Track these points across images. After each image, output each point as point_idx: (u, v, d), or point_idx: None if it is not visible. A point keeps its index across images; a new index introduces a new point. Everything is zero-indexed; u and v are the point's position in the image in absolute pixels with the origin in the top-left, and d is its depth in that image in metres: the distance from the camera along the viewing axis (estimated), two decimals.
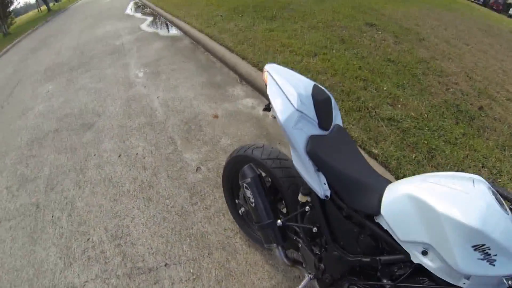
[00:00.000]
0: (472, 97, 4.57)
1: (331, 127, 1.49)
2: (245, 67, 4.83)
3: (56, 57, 8.36)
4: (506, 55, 8.39)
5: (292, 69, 1.67)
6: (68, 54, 8.23)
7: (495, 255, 0.91)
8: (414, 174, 2.80)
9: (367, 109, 3.69)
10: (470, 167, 3.08)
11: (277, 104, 1.46)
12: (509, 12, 36.77)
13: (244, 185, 1.75)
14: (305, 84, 1.52)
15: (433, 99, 4.17)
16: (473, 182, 1.04)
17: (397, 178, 2.82)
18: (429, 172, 2.84)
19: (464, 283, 0.98)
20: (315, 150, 1.36)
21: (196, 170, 3.03)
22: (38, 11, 36.08)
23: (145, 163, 3.21)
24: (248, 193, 1.74)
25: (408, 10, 9.75)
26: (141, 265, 2.26)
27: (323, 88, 1.57)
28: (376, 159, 3.01)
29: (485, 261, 0.92)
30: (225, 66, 5.41)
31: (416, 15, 9.30)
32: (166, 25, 9.53)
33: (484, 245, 0.91)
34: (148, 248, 2.36)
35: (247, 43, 5.75)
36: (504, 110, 4.46)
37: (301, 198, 1.59)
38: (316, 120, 1.44)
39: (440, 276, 1.03)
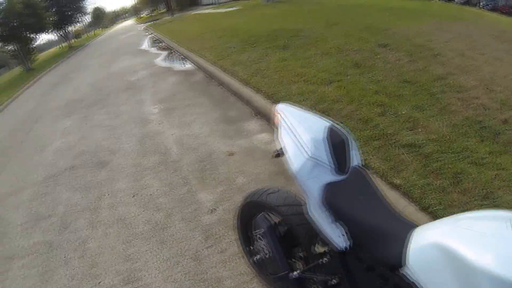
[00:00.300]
0: (495, 110, 4.41)
1: (349, 169, 1.38)
2: (259, 100, 4.82)
3: (74, 93, 8.63)
4: None
5: (306, 106, 1.61)
6: (86, 90, 8.49)
7: None
8: (440, 202, 2.67)
9: (386, 136, 3.59)
10: (499, 188, 2.88)
11: (289, 151, 1.36)
12: None
13: (259, 235, 1.70)
14: (320, 126, 1.40)
15: (454, 118, 4.04)
16: (510, 222, 0.90)
17: (422, 209, 2.68)
18: (456, 199, 2.73)
19: None
20: (333, 199, 1.27)
21: (211, 211, 2.96)
22: (60, 47, 37.75)
23: (159, 204, 3.17)
24: (262, 243, 1.69)
25: (419, 26, 9.66)
26: None
27: (339, 128, 1.45)
28: (398, 190, 2.87)
29: None
30: (239, 100, 5.40)
31: (427, 30, 9.22)
32: (180, 59, 9.73)
33: None
34: None
35: (261, 74, 5.79)
36: None
37: (318, 248, 1.50)
38: (333, 165, 1.33)
39: None
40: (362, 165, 1.45)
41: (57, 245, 2.96)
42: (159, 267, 2.50)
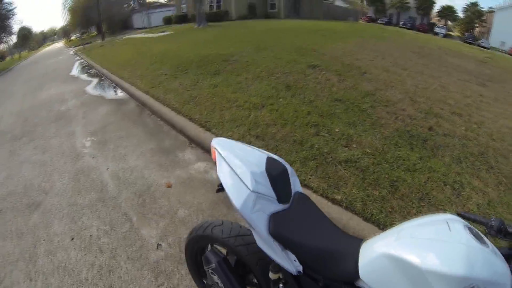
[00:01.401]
0: (420, 119, 4.74)
1: (291, 197, 1.44)
2: (193, 129, 4.84)
3: None
4: (440, 71, 8.96)
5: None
6: (11, 121, 7.84)
7: None
8: (381, 211, 2.91)
9: (323, 155, 3.70)
10: (433, 189, 3.19)
11: (230, 187, 1.38)
12: (434, 31, 40.10)
13: (210, 271, 1.70)
14: (257, 159, 1.46)
15: (385, 131, 4.26)
16: (448, 224, 1.06)
17: (366, 219, 2.83)
18: (395, 205, 2.96)
19: None
20: (279, 230, 1.31)
21: (157, 247, 2.90)
22: None
23: (101, 245, 3.03)
24: (215, 278, 1.69)
25: (346, 46, 10.24)
26: None
27: (277, 158, 1.52)
28: (340, 205, 3.00)
29: None
30: (173, 129, 5.38)
31: (354, 50, 9.77)
32: (112, 87, 9.49)
33: (472, 285, 0.92)
34: None
35: (193, 102, 5.82)
36: (451, 124, 4.70)
37: (272, 276, 1.50)
38: (275, 196, 1.38)
39: None
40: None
41: None
42: None
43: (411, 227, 1.14)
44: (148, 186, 3.80)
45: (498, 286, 0.94)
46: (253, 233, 1.40)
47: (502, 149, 4.10)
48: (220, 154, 1.49)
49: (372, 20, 48.51)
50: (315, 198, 3.10)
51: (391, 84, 6.38)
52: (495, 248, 1.05)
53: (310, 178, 3.31)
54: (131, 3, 53.23)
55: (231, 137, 4.21)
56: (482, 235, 1.05)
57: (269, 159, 1.47)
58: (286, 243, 1.31)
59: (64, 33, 73.68)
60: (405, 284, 1.01)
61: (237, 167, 1.40)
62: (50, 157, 5.09)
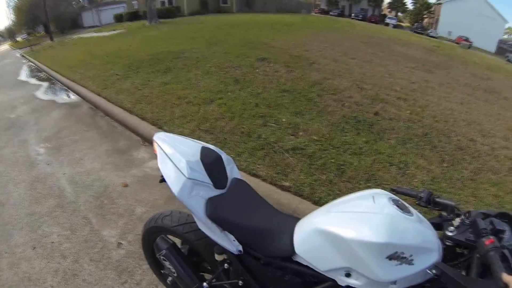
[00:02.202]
0: (367, 105, 4.95)
1: (228, 183, 1.56)
2: (145, 128, 4.91)
3: None
4: (388, 60, 9.32)
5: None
6: None
7: (411, 255, 1.03)
8: (329, 194, 3.07)
9: (270, 144, 3.81)
10: (379, 170, 3.38)
11: (168, 175, 1.48)
12: (385, 22, 41.47)
13: (161, 257, 1.77)
14: (193, 149, 1.56)
15: (332, 118, 4.43)
16: (373, 198, 1.18)
17: (314, 203, 2.98)
18: (343, 188, 3.12)
19: None
20: (215, 212, 1.41)
21: (118, 246, 2.98)
22: None
23: (63, 250, 3.06)
24: (168, 264, 1.76)
25: (296, 38, 10.42)
26: None
27: (212, 148, 1.64)
28: (289, 191, 3.13)
29: (404, 264, 1.04)
30: (127, 129, 5.42)
31: (304, 41, 9.98)
32: (63, 90, 9.28)
33: (396, 252, 1.03)
34: None
35: (145, 101, 5.86)
36: (397, 109, 4.92)
37: (217, 257, 1.59)
38: (210, 182, 1.48)
39: None
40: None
41: None
42: None
43: (340, 203, 1.26)
44: (105, 187, 3.86)
45: (425, 252, 1.05)
46: (194, 218, 1.50)
47: (445, 130, 4.39)
48: (159, 146, 1.58)
49: (324, 12, 49.39)
50: (263, 185, 3.25)
51: (339, 73, 6.61)
52: (421, 216, 1.17)
53: (258, 167, 3.46)
54: (80, 0, 51.07)
55: (181, 132, 4.34)
56: (407, 206, 1.16)
57: (203, 149, 1.57)
58: (223, 224, 1.42)
59: (9, 33, 69.57)
60: (335, 254, 1.13)
61: (174, 157, 1.49)
62: (4, 168, 4.96)
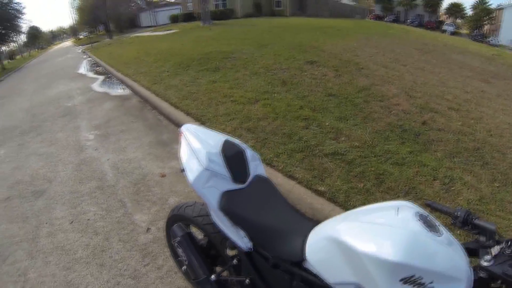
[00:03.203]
0: (415, 114, 4.70)
1: (249, 179, 1.51)
2: (189, 123, 4.83)
3: (8, 120, 8.25)
4: (442, 67, 8.85)
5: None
6: (21, 117, 8.14)
7: (431, 282, 0.87)
8: (364, 203, 2.77)
9: (310, 148, 3.75)
10: (421, 183, 3.12)
11: (187, 165, 1.50)
12: (442, 28, 39.65)
13: (175, 244, 1.80)
14: (216, 141, 1.55)
15: (377, 125, 4.26)
16: (397, 210, 1.03)
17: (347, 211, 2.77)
18: (379, 198, 2.91)
19: None
20: (229, 206, 1.39)
21: (147, 231, 3.09)
22: None
23: (97, 228, 3.25)
24: (180, 251, 1.78)
25: (347, 43, 10.23)
26: None
27: (236, 142, 1.61)
28: (323, 196, 3.01)
29: None
30: (171, 123, 5.57)
31: (354, 46, 9.76)
32: (117, 84, 9.76)
33: (413, 276, 0.87)
34: None
35: (191, 97, 5.98)
36: (447, 119, 4.60)
37: (229, 252, 1.64)
38: (229, 175, 1.46)
39: None
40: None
41: None
42: None
43: (360, 212, 1.14)
44: (144, 175, 4.02)
45: (449, 280, 0.88)
46: (208, 208, 1.52)
47: (500, 145, 3.96)
48: (184, 137, 1.60)
49: (379, 18, 48.02)
50: (298, 188, 3.19)
51: (388, 80, 6.37)
52: (452, 238, 0.99)
53: (295, 170, 3.39)
54: (138, 2, 53.42)
55: (223, 130, 4.38)
56: (437, 224, 1.00)
57: (226, 142, 1.56)
58: (236, 219, 1.40)
59: (72, 31, 74.33)
60: (346, 266, 1.01)
61: (196, 148, 1.50)
62: (56, 150, 5.36)
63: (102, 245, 2.99)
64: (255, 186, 1.50)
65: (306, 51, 8.52)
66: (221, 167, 1.45)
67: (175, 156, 4.30)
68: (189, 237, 1.79)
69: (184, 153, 1.55)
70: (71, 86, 10.50)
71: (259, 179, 1.54)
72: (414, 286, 0.87)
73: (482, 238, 1.02)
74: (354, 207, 2.66)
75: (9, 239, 3.34)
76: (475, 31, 44.69)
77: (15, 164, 5.17)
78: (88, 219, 3.39)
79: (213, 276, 1.68)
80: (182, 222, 1.91)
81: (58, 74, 14.64)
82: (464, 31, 51.02)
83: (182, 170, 1.61)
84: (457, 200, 2.91)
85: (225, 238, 1.64)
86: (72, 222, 3.40)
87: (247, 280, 1.53)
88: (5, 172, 4.95)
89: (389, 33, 14.72)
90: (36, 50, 72.16)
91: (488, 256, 0.93)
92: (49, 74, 15.59)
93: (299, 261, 1.21)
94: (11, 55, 50.04)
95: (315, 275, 1.17)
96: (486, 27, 49.49)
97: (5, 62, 36.48)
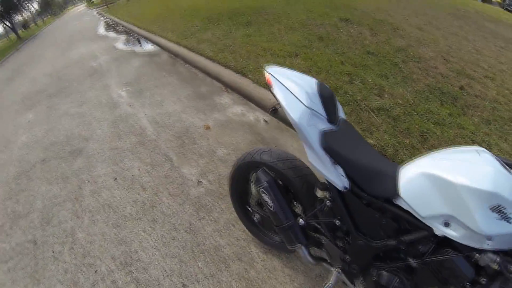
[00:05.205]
0: (452, 78, 4.70)
1: (338, 121, 1.54)
2: (229, 75, 4.83)
3: (32, 85, 8.15)
4: (476, 35, 8.66)
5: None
6: (45, 81, 8.03)
7: (511, 213, 0.99)
8: (411, 158, 2.86)
9: (356, 102, 3.74)
10: (461, 144, 3.15)
11: (287, 104, 1.48)
12: None
13: (261, 190, 1.76)
14: (310, 83, 1.57)
15: (416, 85, 4.28)
16: (478, 153, 1.14)
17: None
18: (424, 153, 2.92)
19: (488, 244, 1.04)
20: (330, 144, 1.41)
21: (198, 183, 2.96)
22: (8, 39, 35.29)
23: (143, 183, 3.11)
24: (266, 197, 1.75)
25: (378, 2, 9.92)
26: None
27: (326, 85, 1.62)
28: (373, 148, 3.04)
29: (503, 220, 1.00)
30: (208, 76, 5.40)
31: (386, 6, 9.48)
32: (142, 41, 9.48)
33: (499, 205, 0.99)
34: (161, 271, 2.27)
35: (227, 50, 5.78)
36: (483, 87, 4.62)
37: (319, 193, 1.61)
38: (325, 116, 1.49)
39: (464, 243, 1.10)
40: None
41: (42, 241, 2.80)
42: (155, 245, 2.47)
43: (445, 153, 1.23)
44: (187, 128, 3.86)
45: None
46: (306, 148, 1.49)
47: None
48: (275, 78, 1.58)
49: None
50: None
51: (424, 42, 6.27)
52: None
53: None
54: None
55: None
56: (509, 169, 1.09)
57: (320, 84, 1.57)
58: (336, 157, 1.41)
59: None
60: (439, 200, 1.12)
61: (293, 88, 1.51)
62: (88, 109, 5.23)
63: (151, 201, 2.88)
64: (343, 128, 1.53)
65: (338, 8, 8.27)
66: (319, 108, 1.48)
67: (217, 108, 4.22)
68: (275, 182, 1.76)
69: (280, 93, 1.54)
70: (93, 47, 10.28)
71: (344, 122, 1.57)
72: (498, 214, 1.00)
73: None
74: (402, 160, 2.81)
75: (51, 201, 3.27)
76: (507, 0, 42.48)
77: (47, 126, 5.06)
78: (133, 175, 3.26)
79: (301, 220, 1.71)
80: (259, 168, 1.85)
81: (77, 37, 14.39)
82: None
83: (273, 111, 1.63)
84: None
85: (308, 182, 1.71)
86: (116, 179, 3.29)
87: (337, 222, 1.58)
88: (37, 135, 4.86)
89: None
90: (50, 16, 71.14)
91: None
92: (67, 38, 15.35)
93: (392, 198, 1.28)
94: (24, 24, 49.45)
95: (406, 211, 1.25)
96: None
97: (20, 31, 36.14)
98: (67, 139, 4.43)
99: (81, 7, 60.62)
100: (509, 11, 31.29)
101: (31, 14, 59.16)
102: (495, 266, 1.08)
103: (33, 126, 5.33)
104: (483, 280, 1.13)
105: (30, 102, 6.70)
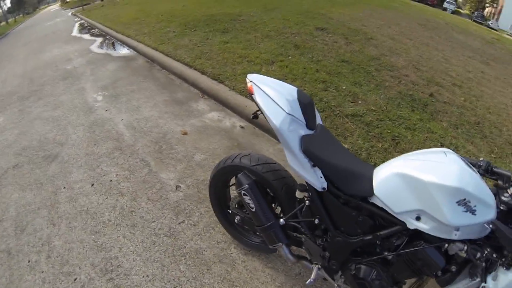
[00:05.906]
0: (422, 86, 4.95)
1: (316, 126, 1.65)
2: (206, 81, 4.88)
3: (2, 87, 7.79)
4: (445, 45, 9.04)
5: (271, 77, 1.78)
6: (16, 82, 7.69)
7: (475, 206, 1.13)
8: (383, 161, 2.98)
9: (331, 108, 3.88)
10: (431, 147, 3.27)
11: (269, 110, 1.58)
12: (443, 6, 39.09)
13: (242, 192, 1.83)
14: (290, 90, 1.67)
15: (389, 92, 4.46)
16: (445, 154, 1.28)
17: None
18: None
19: (456, 235, 1.19)
20: (309, 148, 1.51)
21: (176, 188, 2.98)
22: None
23: (122, 189, 3.08)
24: (247, 199, 1.82)
25: (353, 12, 10.21)
26: None
27: (305, 93, 1.73)
28: None
29: (468, 212, 1.14)
30: (185, 82, 5.44)
31: (361, 16, 9.78)
32: (118, 45, 9.36)
33: (465, 199, 1.13)
34: (143, 276, 2.26)
35: (204, 57, 5.83)
36: (451, 94, 4.89)
37: (298, 194, 1.73)
38: (305, 122, 1.59)
39: (434, 235, 1.24)
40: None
41: (17, 250, 2.65)
42: (135, 250, 2.46)
43: (415, 154, 1.38)
44: (164, 134, 3.86)
45: (486, 206, 1.13)
46: (286, 152, 1.58)
47: (497, 123, 4.34)
48: (257, 86, 1.68)
49: None
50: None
51: (396, 52, 6.53)
52: (482, 179, 1.24)
53: None
54: None
55: (244, 88, 4.36)
56: (471, 166, 1.25)
57: (299, 91, 1.68)
58: (315, 160, 1.51)
59: None
60: (411, 196, 1.24)
61: (274, 95, 1.60)
62: (62, 113, 5.06)
63: (130, 206, 2.85)
64: (321, 133, 1.62)
65: (314, 17, 8.46)
66: (299, 114, 1.58)
67: (194, 114, 4.26)
68: (256, 184, 1.83)
69: (261, 100, 1.62)
70: (67, 49, 9.98)
71: (322, 127, 1.67)
72: (464, 207, 1.14)
73: (501, 182, 1.25)
74: (376, 164, 2.92)
75: (25, 208, 3.12)
76: (476, 12, 44.00)
77: (19, 130, 4.83)
78: (111, 180, 3.22)
79: (281, 220, 1.80)
80: (239, 172, 1.91)
81: (50, 38, 13.93)
82: (465, 11, 50.43)
83: (254, 117, 1.77)
84: None
85: (287, 184, 1.83)
86: (93, 184, 3.22)
87: (316, 220, 1.67)
88: (8, 139, 4.60)
89: (391, 6, 14.52)
90: (22, 15, 69.04)
91: (507, 194, 1.18)
92: (40, 38, 14.85)
93: (367, 196, 1.41)
94: None
95: (380, 208, 1.37)
96: (487, 10, 48.95)
97: None
98: (40, 144, 4.27)
99: (55, 7, 58.50)
100: (477, 22, 32.68)
101: (2, 12, 57.50)
102: (463, 254, 1.21)
103: (4, 130, 5.07)
104: (453, 268, 1.28)
105: (0, 105, 6.41)
